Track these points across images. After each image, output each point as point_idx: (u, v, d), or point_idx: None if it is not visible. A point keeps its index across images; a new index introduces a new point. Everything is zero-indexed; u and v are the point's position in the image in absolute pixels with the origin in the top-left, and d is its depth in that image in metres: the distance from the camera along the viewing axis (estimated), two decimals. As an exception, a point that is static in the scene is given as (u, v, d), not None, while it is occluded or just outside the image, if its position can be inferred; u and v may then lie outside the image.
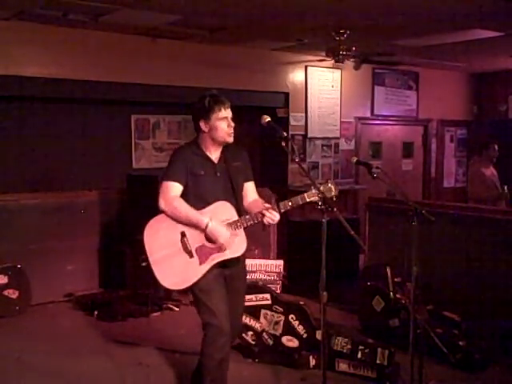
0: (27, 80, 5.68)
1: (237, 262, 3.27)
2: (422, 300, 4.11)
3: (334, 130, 8.09)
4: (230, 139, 3.24)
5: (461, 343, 4.15)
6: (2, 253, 5.45)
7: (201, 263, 3.13)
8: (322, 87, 7.87)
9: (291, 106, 7.62)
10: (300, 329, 4.23)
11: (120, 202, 6.31)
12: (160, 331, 5.02)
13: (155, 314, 5.48)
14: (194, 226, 3.12)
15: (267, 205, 3.19)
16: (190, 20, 5.54)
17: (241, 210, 3.24)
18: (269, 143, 7.13)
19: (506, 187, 6.32)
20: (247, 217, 3.17)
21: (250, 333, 4.34)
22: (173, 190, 3.17)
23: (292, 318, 4.25)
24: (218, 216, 3.15)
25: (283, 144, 3.03)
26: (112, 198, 6.34)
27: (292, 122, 7.63)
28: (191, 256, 3.13)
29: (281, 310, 4.26)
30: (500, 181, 6.49)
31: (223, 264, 3.20)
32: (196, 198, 3.19)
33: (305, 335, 4.22)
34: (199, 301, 3.20)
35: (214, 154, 3.27)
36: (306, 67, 7.70)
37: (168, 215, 3.15)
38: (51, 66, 5.82)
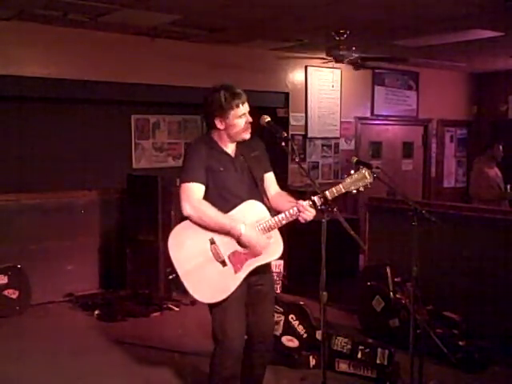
0: (27, 80, 5.67)
1: (265, 269, 3.07)
2: (421, 300, 4.11)
3: (334, 130, 8.09)
4: (248, 136, 3.04)
5: (461, 343, 4.16)
6: (2, 253, 5.46)
7: (236, 271, 2.88)
8: (322, 87, 7.87)
9: (291, 106, 7.61)
10: (300, 329, 4.23)
11: (120, 201, 6.32)
12: (160, 331, 5.02)
13: (155, 314, 5.48)
14: (226, 233, 2.86)
15: (301, 201, 2.89)
16: (189, 20, 5.54)
17: (268, 206, 3.01)
18: (269, 143, 7.11)
19: (509, 187, 6.31)
20: (280, 216, 2.91)
21: (250, 333, 4.34)
22: (196, 192, 2.87)
23: (292, 317, 4.25)
24: (249, 218, 2.89)
25: (283, 144, 2.96)
26: (112, 197, 6.35)
27: (292, 122, 7.63)
28: (224, 265, 2.87)
29: (281, 309, 4.26)
30: (503, 181, 6.49)
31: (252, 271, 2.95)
32: (218, 198, 2.92)
33: (305, 335, 4.21)
34: (213, 315, 2.97)
35: (230, 148, 3.04)
36: (306, 67, 7.69)
37: (194, 221, 2.85)
38: (51, 66, 5.81)
